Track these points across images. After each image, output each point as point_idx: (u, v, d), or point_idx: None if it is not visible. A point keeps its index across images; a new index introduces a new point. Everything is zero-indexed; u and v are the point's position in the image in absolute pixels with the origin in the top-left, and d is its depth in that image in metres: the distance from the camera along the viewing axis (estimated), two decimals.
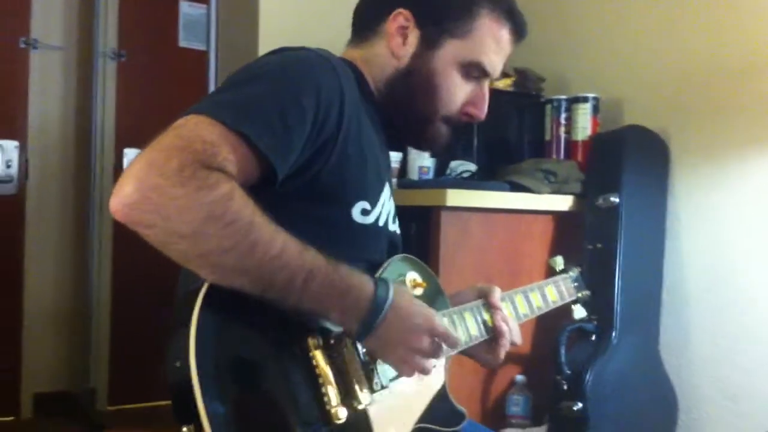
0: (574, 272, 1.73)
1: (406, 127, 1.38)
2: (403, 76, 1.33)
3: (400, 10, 1.33)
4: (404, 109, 1.35)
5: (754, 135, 2.29)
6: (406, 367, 1.14)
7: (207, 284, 1.00)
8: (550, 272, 1.73)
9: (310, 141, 1.12)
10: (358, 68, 1.34)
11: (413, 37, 1.33)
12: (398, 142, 1.45)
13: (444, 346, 1.18)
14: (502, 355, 1.43)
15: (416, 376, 1.16)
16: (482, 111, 1.39)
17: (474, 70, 1.35)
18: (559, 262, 1.73)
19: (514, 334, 1.43)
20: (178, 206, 0.95)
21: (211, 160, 0.98)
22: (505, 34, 1.36)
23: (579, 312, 1.73)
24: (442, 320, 1.20)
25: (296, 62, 1.18)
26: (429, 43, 1.33)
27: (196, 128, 1.01)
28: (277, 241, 1.01)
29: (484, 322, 1.41)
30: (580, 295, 1.72)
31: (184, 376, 0.95)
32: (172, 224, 0.95)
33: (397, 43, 1.33)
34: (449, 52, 1.33)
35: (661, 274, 2.47)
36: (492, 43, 1.35)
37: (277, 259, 1.00)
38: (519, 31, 1.38)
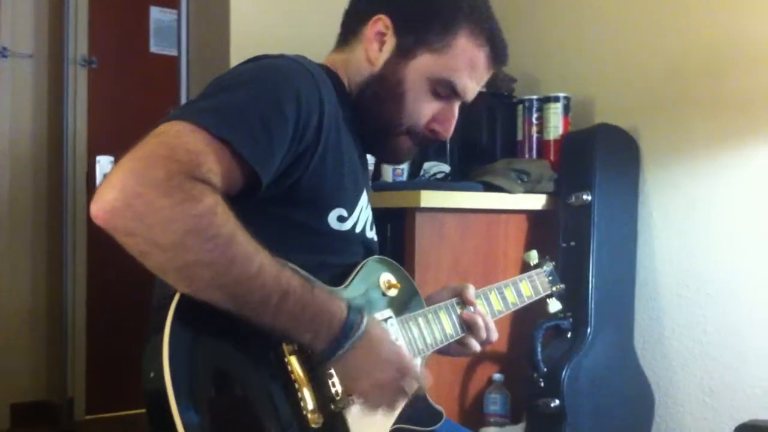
0: (548, 266, 1.74)
1: (370, 134, 1.36)
2: (373, 82, 1.32)
3: (381, 15, 1.32)
4: (370, 116, 1.34)
5: (723, 133, 2.32)
6: (370, 401, 1.14)
7: (179, 294, 1.00)
8: (525, 269, 1.74)
9: (291, 148, 1.12)
10: (337, 73, 1.34)
11: (389, 44, 1.32)
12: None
13: (411, 386, 1.16)
14: (476, 349, 1.44)
15: (380, 411, 1.16)
16: (448, 131, 1.36)
17: (444, 88, 1.32)
18: (533, 256, 1.74)
19: (489, 330, 1.44)
20: (161, 217, 0.94)
21: (196, 170, 0.98)
22: (482, 57, 1.33)
23: (554, 305, 1.74)
24: (413, 360, 1.18)
25: (276, 70, 1.18)
26: (403, 52, 1.31)
27: (179, 136, 1.00)
28: (255, 260, 1.00)
29: (459, 320, 1.42)
30: (554, 288, 1.73)
31: (159, 385, 0.94)
32: (153, 234, 0.94)
33: (373, 48, 1.32)
34: (422, 64, 1.31)
35: (635, 270, 2.50)
36: (466, 65, 1.32)
37: (253, 278, 1.00)
38: (497, 57, 1.35)
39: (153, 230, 0.94)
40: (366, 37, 1.33)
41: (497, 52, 1.35)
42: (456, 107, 1.36)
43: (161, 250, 0.96)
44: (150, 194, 0.94)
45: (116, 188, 0.94)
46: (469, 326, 1.42)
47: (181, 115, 1.04)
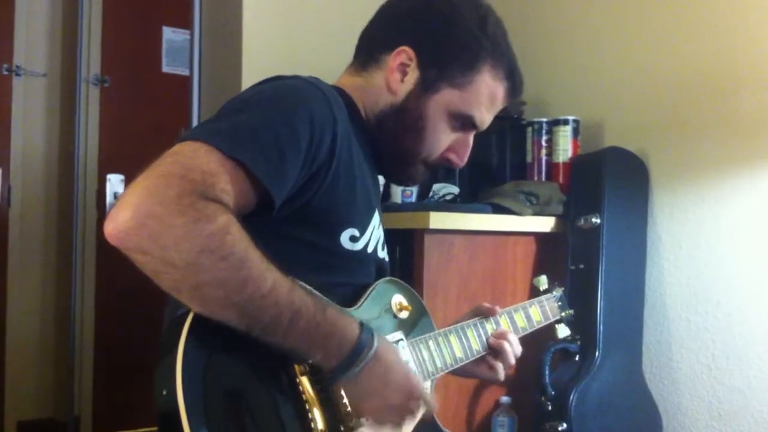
0: (557, 292, 1.75)
1: (387, 160, 1.39)
2: (394, 113, 1.34)
3: (405, 47, 1.33)
4: (390, 144, 1.36)
5: (733, 155, 2.32)
6: (378, 422, 1.14)
7: (192, 313, 1.00)
8: (534, 292, 1.75)
9: (305, 169, 1.13)
10: (350, 95, 1.35)
11: (412, 76, 1.33)
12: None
13: (420, 410, 1.17)
14: (501, 375, 1.46)
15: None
16: (463, 160, 1.40)
17: (463, 121, 1.35)
18: (543, 281, 1.74)
19: (515, 346, 1.47)
20: (175, 236, 0.95)
21: (209, 190, 0.99)
22: (501, 92, 1.37)
23: (563, 331, 1.75)
24: (422, 384, 1.19)
25: (289, 91, 1.19)
26: (426, 85, 1.33)
27: (193, 156, 1.01)
28: (268, 279, 1.01)
29: (486, 337, 1.46)
30: (563, 314, 1.74)
31: (171, 404, 0.95)
32: (167, 253, 0.95)
33: (395, 79, 1.33)
34: (444, 98, 1.33)
35: (643, 293, 2.49)
36: (487, 100, 1.35)
37: (266, 297, 1.00)
38: (515, 91, 1.39)
39: (166, 249, 0.95)
40: (388, 66, 1.34)
41: (515, 86, 1.39)
42: (471, 137, 1.40)
43: (174, 269, 0.96)
44: (163, 213, 0.94)
45: (130, 208, 0.95)
46: (496, 351, 1.45)
47: (196, 135, 1.05)
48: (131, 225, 0.94)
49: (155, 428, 1.00)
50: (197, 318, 1.00)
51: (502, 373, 1.47)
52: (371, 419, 1.13)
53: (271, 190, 1.07)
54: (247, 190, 1.05)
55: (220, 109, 1.16)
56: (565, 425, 2.23)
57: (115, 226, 0.95)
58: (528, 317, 1.61)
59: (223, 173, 1.01)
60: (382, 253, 1.38)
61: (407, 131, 1.34)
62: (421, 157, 1.36)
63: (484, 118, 1.37)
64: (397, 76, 1.33)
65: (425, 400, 1.17)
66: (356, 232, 1.26)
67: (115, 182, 3.44)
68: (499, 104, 1.38)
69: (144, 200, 0.95)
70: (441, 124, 1.34)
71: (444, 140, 1.36)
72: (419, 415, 1.17)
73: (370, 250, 1.30)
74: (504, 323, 1.53)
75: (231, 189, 1.02)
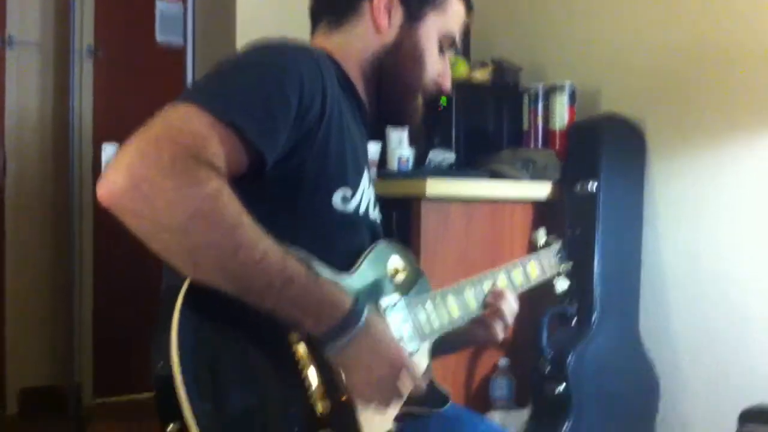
0: (555, 245, 1.72)
1: (390, 101, 1.41)
2: (390, 51, 1.37)
3: None
4: (392, 82, 1.39)
5: (730, 122, 2.33)
6: (362, 394, 1.13)
7: (187, 282, 1.01)
8: (533, 249, 1.72)
9: (294, 130, 1.13)
10: (334, 57, 1.35)
11: (397, 11, 1.37)
12: (377, 130, 1.48)
13: (406, 387, 1.15)
14: (499, 331, 1.45)
15: (372, 408, 1.14)
16: (449, 83, 1.45)
17: (447, 42, 1.42)
18: (540, 235, 1.71)
19: (512, 304, 1.47)
20: (167, 199, 0.95)
21: (201, 153, 0.99)
22: (462, 10, 1.45)
23: (561, 284, 1.73)
24: (411, 360, 1.17)
25: (278, 53, 1.20)
26: (413, 16, 1.38)
27: (185, 118, 1.01)
28: (260, 245, 1.01)
29: (484, 296, 1.45)
30: (562, 267, 1.72)
31: (168, 375, 0.95)
32: (159, 216, 0.95)
33: (382, 19, 1.36)
34: (430, 24, 1.39)
35: (640, 258, 2.51)
36: (458, 17, 1.43)
37: (258, 263, 1.00)
38: (469, 7, 1.47)
39: (158, 212, 0.95)
40: (373, 9, 1.36)
41: (469, 3, 1.47)
42: (447, 60, 1.45)
43: (167, 233, 0.97)
44: (156, 176, 0.95)
45: (123, 170, 0.95)
46: (493, 311, 1.44)
47: (187, 97, 1.05)
48: (124, 187, 0.94)
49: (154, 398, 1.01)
50: (192, 287, 1.00)
51: (500, 334, 1.46)
52: (355, 393, 1.12)
53: (263, 150, 1.07)
54: (237, 152, 1.05)
55: (210, 71, 1.16)
56: (562, 387, 2.26)
57: (108, 189, 0.95)
58: (526, 274, 1.60)
59: (215, 136, 1.02)
60: (374, 214, 1.38)
61: (407, 64, 1.38)
62: (423, 84, 1.41)
63: (457, 36, 1.44)
64: (384, 15, 1.36)
65: (413, 376, 1.15)
66: (348, 193, 1.26)
67: (110, 152, 3.43)
68: (463, 21, 1.45)
69: (137, 163, 0.95)
70: (433, 48, 1.40)
71: (437, 64, 1.42)
72: (405, 394, 1.16)
73: (362, 210, 1.30)
74: (502, 281, 1.53)
75: (222, 152, 1.02)
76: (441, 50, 1.42)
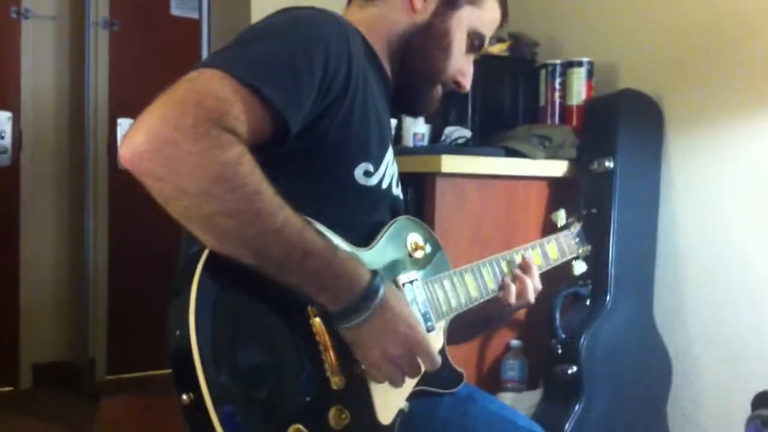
0: (575, 227, 1.71)
1: (411, 84, 1.40)
2: (420, 31, 1.36)
3: None
4: (416, 64, 1.37)
5: (748, 100, 2.29)
6: (376, 371, 1.12)
7: (206, 252, 1.00)
8: (552, 228, 1.72)
9: (319, 99, 1.12)
10: (361, 32, 1.34)
11: None
12: (396, 108, 1.46)
13: (420, 366, 1.14)
14: (512, 299, 1.44)
15: (386, 385, 1.13)
16: (469, 82, 1.43)
17: (475, 40, 1.40)
18: (561, 216, 1.70)
19: (536, 281, 1.47)
20: (189, 162, 0.94)
21: (223, 118, 0.98)
22: (499, 16, 1.44)
23: (579, 267, 1.72)
24: (427, 339, 1.15)
25: (305, 21, 1.18)
26: (449, 3, 1.37)
27: (209, 83, 1.00)
28: (280, 215, 1.00)
29: (502, 275, 1.45)
30: (581, 250, 1.71)
31: (184, 344, 0.95)
32: (180, 179, 0.95)
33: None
34: (465, 15, 1.38)
35: (656, 238, 2.48)
36: (493, 21, 1.42)
37: (277, 233, 1.00)
38: (505, 19, 1.46)
39: (180, 176, 0.95)
40: None
41: (506, 14, 1.46)
42: (472, 61, 1.44)
43: (187, 197, 0.96)
44: (179, 139, 0.94)
45: (146, 132, 0.94)
46: (518, 282, 1.45)
47: (212, 62, 1.04)
48: (147, 149, 0.94)
49: (168, 371, 1.00)
50: (212, 255, 1.00)
51: (516, 303, 1.45)
52: (370, 369, 1.12)
53: (287, 117, 1.06)
54: (261, 119, 1.04)
55: (235, 38, 1.15)
56: (575, 368, 2.25)
57: (130, 150, 0.94)
58: (545, 255, 1.59)
59: (238, 101, 1.00)
60: (397, 190, 1.37)
61: (434, 48, 1.37)
62: (445, 74, 1.39)
63: (488, 41, 1.43)
64: None
65: (428, 355, 1.14)
66: (370, 167, 1.25)
67: (125, 126, 3.44)
68: (495, 29, 1.45)
69: (160, 126, 0.95)
70: (462, 41, 1.39)
71: (461, 58, 1.40)
72: (419, 373, 1.15)
73: (384, 185, 1.29)
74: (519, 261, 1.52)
75: (245, 117, 1.01)
76: (468, 46, 1.40)
